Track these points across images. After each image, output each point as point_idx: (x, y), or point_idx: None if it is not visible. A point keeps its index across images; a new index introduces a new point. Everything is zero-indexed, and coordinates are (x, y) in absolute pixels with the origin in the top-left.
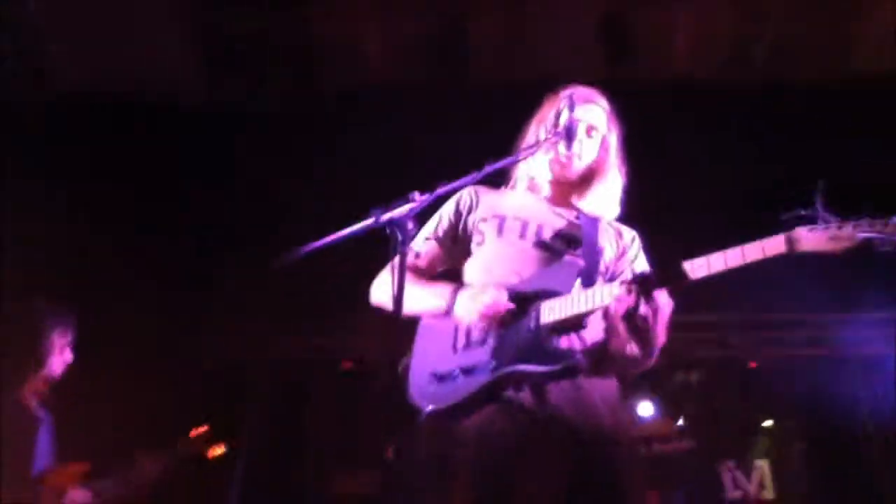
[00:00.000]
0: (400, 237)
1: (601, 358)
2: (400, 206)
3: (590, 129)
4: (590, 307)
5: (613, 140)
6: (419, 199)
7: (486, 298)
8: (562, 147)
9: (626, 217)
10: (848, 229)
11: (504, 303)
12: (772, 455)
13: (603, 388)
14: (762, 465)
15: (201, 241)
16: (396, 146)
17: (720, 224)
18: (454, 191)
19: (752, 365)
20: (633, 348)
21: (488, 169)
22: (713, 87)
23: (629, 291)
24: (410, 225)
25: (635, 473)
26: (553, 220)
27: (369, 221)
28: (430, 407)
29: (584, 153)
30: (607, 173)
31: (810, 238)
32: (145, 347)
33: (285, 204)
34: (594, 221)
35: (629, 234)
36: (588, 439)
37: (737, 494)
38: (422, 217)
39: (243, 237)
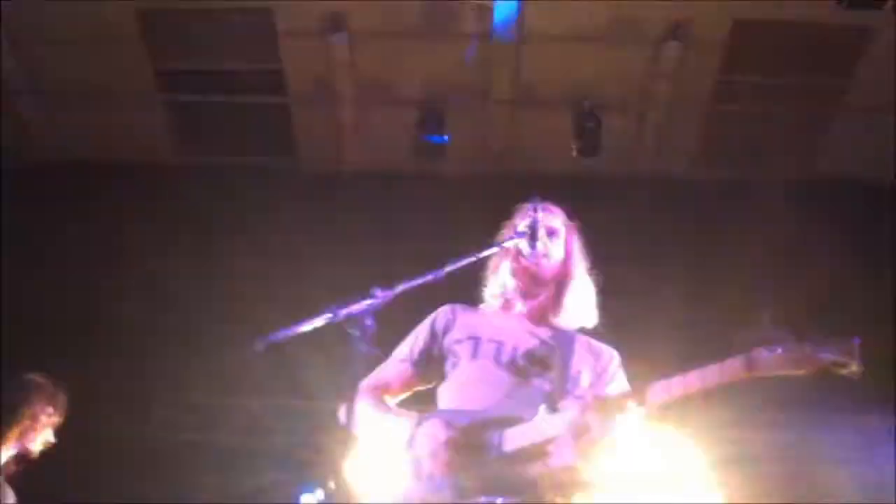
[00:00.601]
0: (358, 334)
1: (567, 482)
2: (359, 302)
3: (551, 231)
4: (551, 434)
5: (576, 244)
6: (380, 295)
7: (430, 435)
8: (525, 247)
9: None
10: (807, 349)
11: (445, 438)
12: None
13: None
14: None
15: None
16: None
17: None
18: (414, 288)
19: None
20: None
21: (448, 268)
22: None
23: (583, 415)
24: (369, 321)
25: None
26: (527, 341)
27: (327, 317)
28: None
29: (550, 253)
30: (577, 278)
31: (769, 360)
32: None
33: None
34: (570, 341)
35: (608, 353)
36: None
37: None
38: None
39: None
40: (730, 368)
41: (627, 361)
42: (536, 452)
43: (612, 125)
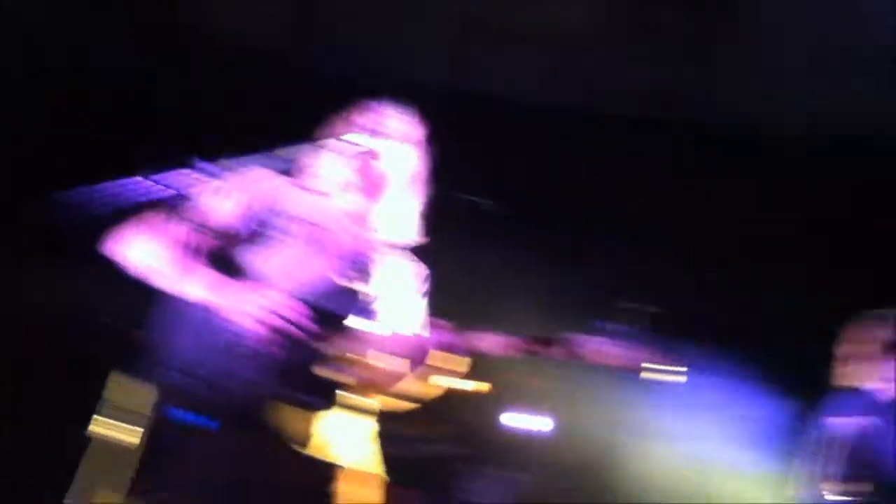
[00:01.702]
0: (173, 203)
1: (369, 392)
2: (178, 170)
3: (395, 137)
4: (368, 345)
5: (417, 159)
6: (203, 167)
7: (270, 303)
8: (364, 145)
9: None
10: (640, 353)
11: (290, 315)
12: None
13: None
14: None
15: None
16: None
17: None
18: (244, 167)
19: None
20: (391, 387)
21: (281, 151)
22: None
23: (398, 340)
24: (187, 191)
25: None
26: (349, 240)
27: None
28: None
29: (388, 158)
30: (408, 192)
31: (609, 350)
32: None
33: None
34: (388, 249)
35: (423, 272)
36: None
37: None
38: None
39: None
40: (566, 346)
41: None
42: (347, 360)
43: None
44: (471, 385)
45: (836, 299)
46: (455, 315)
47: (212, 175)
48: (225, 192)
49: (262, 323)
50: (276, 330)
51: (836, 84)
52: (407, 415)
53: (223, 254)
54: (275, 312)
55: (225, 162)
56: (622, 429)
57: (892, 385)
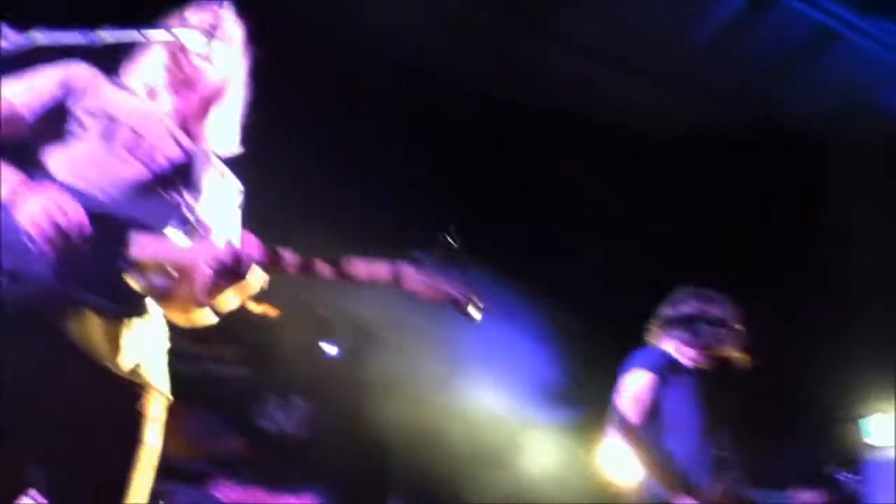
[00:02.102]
0: None
1: (165, 303)
2: None
3: (228, 38)
4: (178, 258)
5: (246, 66)
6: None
7: (58, 205)
8: (193, 43)
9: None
10: (443, 283)
11: (78, 219)
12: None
13: (152, 330)
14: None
15: None
16: None
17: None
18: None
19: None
20: (200, 299)
21: (103, 33)
22: None
23: (215, 254)
24: None
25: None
26: (168, 145)
27: None
28: None
29: (214, 59)
30: (233, 99)
31: (413, 278)
32: None
33: None
34: (207, 158)
35: (236, 186)
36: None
37: (273, 428)
38: None
39: None
40: (379, 271)
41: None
42: (156, 268)
43: None
44: (265, 307)
45: (652, 261)
46: (265, 234)
47: (18, 41)
48: (29, 75)
49: (42, 223)
50: (58, 232)
51: (647, 81)
52: (201, 332)
53: (18, 145)
54: (57, 213)
55: (37, 32)
56: (415, 361)
57: (689, 351)
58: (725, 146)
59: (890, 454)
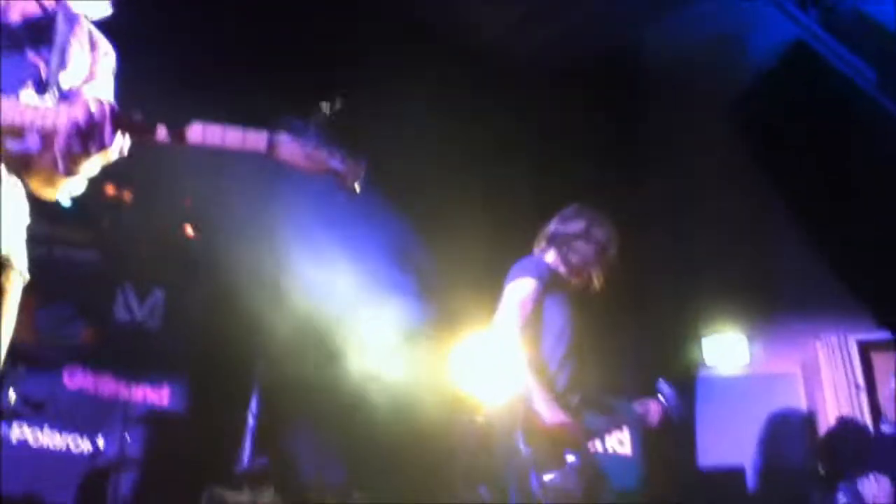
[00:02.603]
0: None
1: (25, 172)
2: None
3: None
4: (36, 118)
5: None
6: None
7: None
8: None
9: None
10: (322, 154)
11: None
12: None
13: (10, 202)
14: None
15: None
16: None
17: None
18: None
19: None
20: (60, 167)
21: None
22: None
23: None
24: None
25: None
26: (27, 4)
27: None
28: None
29: None
30: None
31: (289, 148)
32: None
33: None
34: (73, 19)
35: (106, 47)
36: None
37: (127, 317)
38: None
39: None
40: (253, 139)
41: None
42: (10, 132)
43: None
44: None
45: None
46: (134, 103)
47: None
48: None
49: None
50: None
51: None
52: (53, 213)
53: None
54: None
55: None
56: (277, 249)
57: (567, 265)
58: (588, 78)
59: (722, 372)
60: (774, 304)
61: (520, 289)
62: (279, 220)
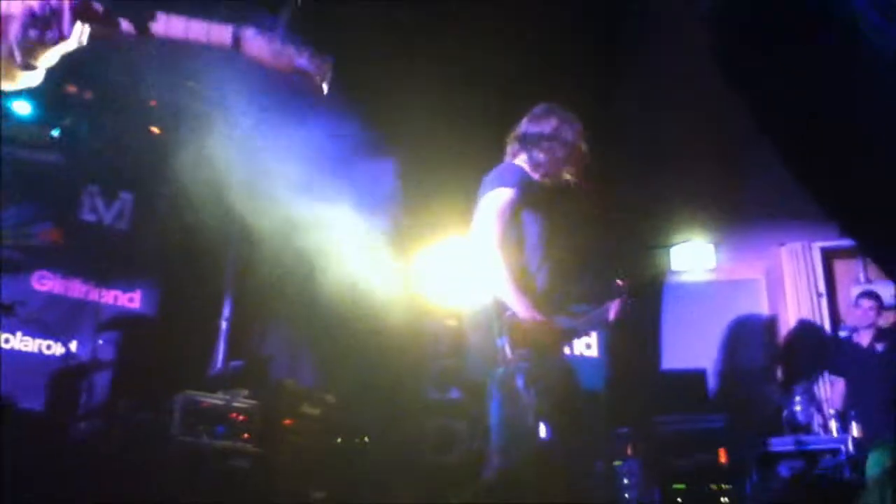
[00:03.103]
0: None
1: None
2: None
3: None
4: None
5: None
6: None
7: None
8: None
9: None
10: (290, 50)
11: None
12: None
13: None
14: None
15: None
16: None
17: None
18: None
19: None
20: (17, 58)
21: None
22: None
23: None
24: None
25: None
26: None
27: None
28: None
29: None
30: None
31: (256, 43)
32: None
33: None
34: None
35: None
36: None
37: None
38: None
39: None
40: (218, 32)
41: None
42: None
43: None
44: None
45: None
46: None
47: None
48: None
49: None
50: None
51: None
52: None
53: None
54: None
55: None
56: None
57: (540, 168)
58: None
59: (689, 278)
60: (740, 211)
61: (496, 198)
62: (249, 121)
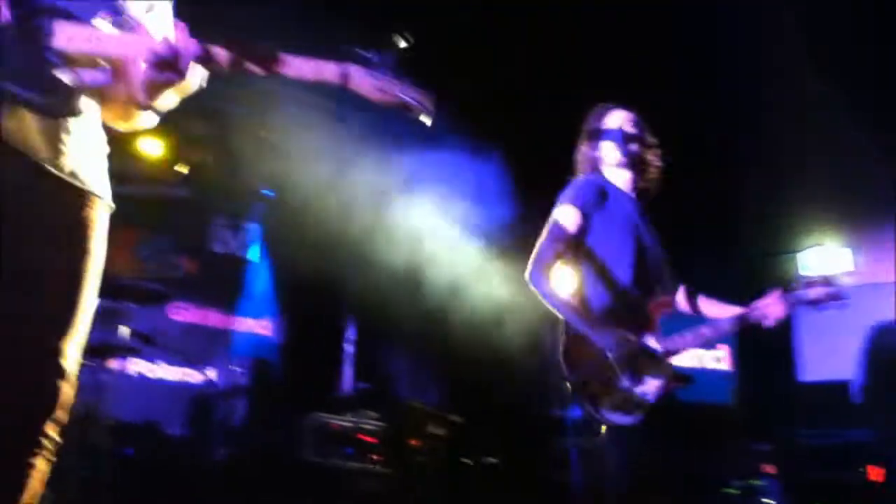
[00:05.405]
0: None
1: (103, 104)
2: None
3: None
4: (112, 47)
5: None
6: None
7: None
8: None
9: None
10: (394, 85)
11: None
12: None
13: (90, 132)
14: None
15: None
16: None
17: None
18: None
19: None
20: (138, 99)
21: None
22: None
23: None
24: None
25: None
26: None
27: None
28: None
29: None
30: None
31: (361, 79)
32: None
33: None
34: None
35: None
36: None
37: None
38: None
39: None
40: (329, 70)
41: None
42: (87, 62)
43: None
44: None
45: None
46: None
47: None
48: None
49: None
50: None
51: None
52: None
53: None
54: None
55: None
56: (365, 180)
57: (620, 172)
58: None
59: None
60: (877, 211)
61: (558, 217)
62: (367, 152)
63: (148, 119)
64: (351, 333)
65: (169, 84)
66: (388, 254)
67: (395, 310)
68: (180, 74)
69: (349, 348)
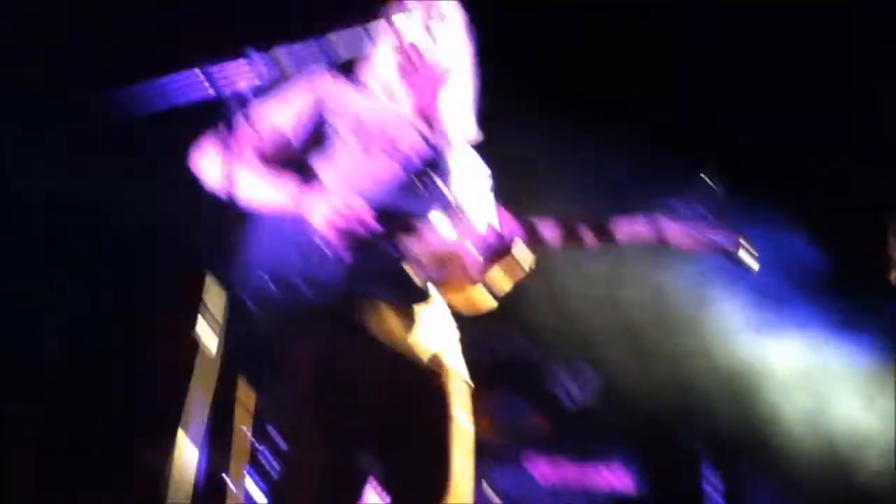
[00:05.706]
0: (233, 101)
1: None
2: (233, 64)
3: (446, 19)
4: (449, 243)
5: (470, 47)
6: (257, 59)
7: (345, 204)
8: (411, 30)
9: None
10: (704, 231)
11: (366, 215)
12: None
13: (441, 318)
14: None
15: None
16: None
17: None
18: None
19: None
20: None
21: (334, 37)
22: None
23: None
24: (248, 89)
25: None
26: (414, 140)
27: (197, 80)
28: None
29: (440, 41)
30: (464, 81)
31: (673, 231)
32: None
33: None
34: (451, 145)
35: (483, 169)
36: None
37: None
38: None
39: None
40: (637, 229)
41: None
42: (430, 258)
43: None
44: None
45: None
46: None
47: (266, 66)
48: (284, 97)
49: (336, 224)
50: (349, 230)
51: None
52: (482, 317)
53: (290, 159)
54: (345, 213)
55: (278, 52)
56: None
57: None
58: None
59: None
60: None
61: None
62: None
63: (488, 300)
64: (708, 471)
65: (503, 271)
66: (729, 382)
67: (750, 444)
68: (511, 258)
69: (709, 489)
